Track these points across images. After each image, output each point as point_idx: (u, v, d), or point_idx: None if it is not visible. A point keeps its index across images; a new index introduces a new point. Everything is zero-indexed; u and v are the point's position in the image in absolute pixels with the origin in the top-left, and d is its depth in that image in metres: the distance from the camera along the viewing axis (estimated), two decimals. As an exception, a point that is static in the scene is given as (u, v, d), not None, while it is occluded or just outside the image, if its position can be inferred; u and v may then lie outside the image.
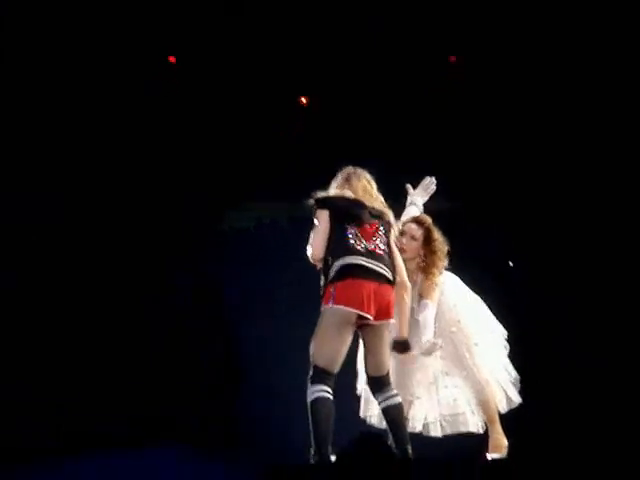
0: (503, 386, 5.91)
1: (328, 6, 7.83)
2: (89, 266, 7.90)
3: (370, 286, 5.40)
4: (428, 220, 5.84)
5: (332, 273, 5.44)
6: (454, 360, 5.87)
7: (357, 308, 5.36)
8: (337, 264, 5.43)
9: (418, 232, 5.84)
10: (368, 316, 5.38)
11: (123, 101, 8.00)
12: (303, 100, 8.24)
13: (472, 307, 5.99)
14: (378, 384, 5.52)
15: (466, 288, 6.04)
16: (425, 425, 5.92)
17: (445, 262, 5.83)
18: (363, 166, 5.72)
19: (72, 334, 7.72)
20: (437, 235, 5.84)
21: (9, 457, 6.54)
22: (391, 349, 5.55)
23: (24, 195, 7.83)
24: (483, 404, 5.84)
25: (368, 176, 5.71)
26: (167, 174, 8.14)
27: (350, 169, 5.72)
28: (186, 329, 8.04)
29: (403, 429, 5.43)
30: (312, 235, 5.55)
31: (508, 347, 6.01)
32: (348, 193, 5.61)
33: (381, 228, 5.55)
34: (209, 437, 7.68)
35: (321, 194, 5.59)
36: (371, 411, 5.92)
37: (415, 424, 5.88)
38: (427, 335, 5.60)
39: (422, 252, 5.82)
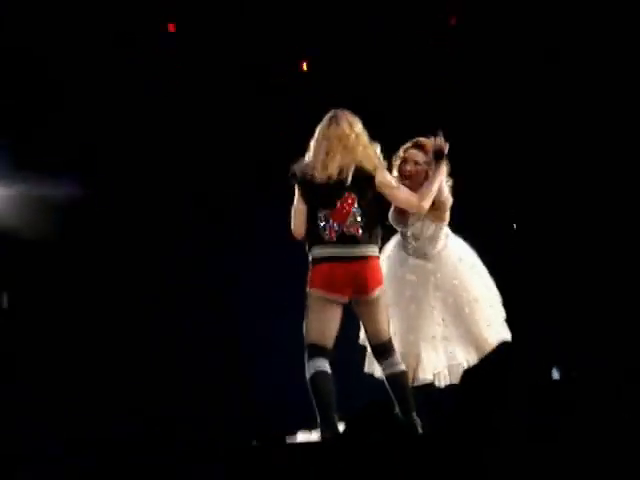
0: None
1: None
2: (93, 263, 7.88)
3: (341, 269, 5.40)
4: (428, 142, 5.80)
5: (309, 258, 5.50)
6: (453, 314, 5.89)
7: (330, 292, 5.40)
8: (311, 252, 5.47)
9: (420, 155, 5.82)
10: (342, 299, 5.43)
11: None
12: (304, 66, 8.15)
13: (474, 264, 6.02)
14: (380, 352, 5.53)
15: (468, 247, 6.07)
16: (436, 375, 5.92)
17: (450, 181, 5.83)
18: None
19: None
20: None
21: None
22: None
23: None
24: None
25: (350, 118, 5.49)
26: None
27: (330, 114, 5.52)
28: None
29: (409, 396, 5.43)
30: (292, 211, 5.54)
31: (504, 312, 6.02)
32: (320, 158, 5.42)
33: (357, 198, 5.42)
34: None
35: (295, 166, 5.50)
36: (376, 365, 5.88)
37: (426, 375, 5.88)
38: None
39: (427, 175, 5.76)
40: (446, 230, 5.97)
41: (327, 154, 5.39)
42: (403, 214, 5.86)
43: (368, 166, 5.42)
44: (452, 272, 5.91)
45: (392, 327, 5.64)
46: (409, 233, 5.92)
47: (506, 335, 5.95)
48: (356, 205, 5.42)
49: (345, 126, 5.44)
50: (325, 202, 5.40)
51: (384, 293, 5.54)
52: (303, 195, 5.46)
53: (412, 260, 5.95)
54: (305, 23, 7.84)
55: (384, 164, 5.54)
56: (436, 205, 5.74)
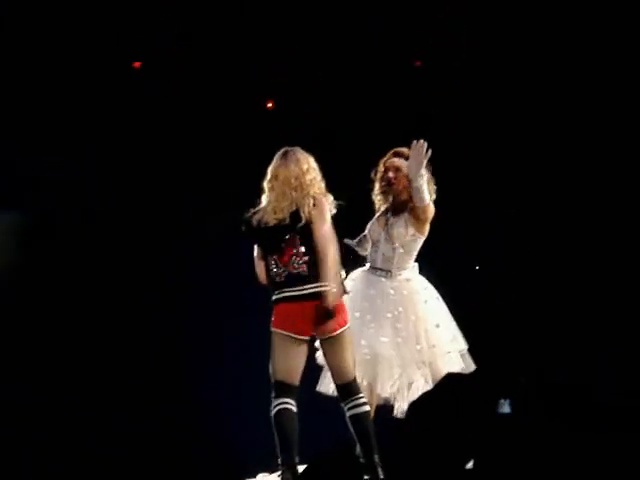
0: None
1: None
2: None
3: (294, 309, 5.39)
4: (406, 150, 5.82)
5: (272, 298, 5.51)
6: (410, 330, 5.82)
7: (290, 331, 5.39)
8: (273, 295, 5.49)
9: (400, 162, 5.90)
10: (303, 338, 5.39)
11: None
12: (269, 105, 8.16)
13: (438, 297, 5.98)
14: (344, 392, 5.46)
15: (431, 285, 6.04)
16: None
17: (432, 186, 5.87)
18: None
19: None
20: None
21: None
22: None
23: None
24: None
25: (299, 155, 5.49)
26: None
27: (277, 156, 5.53)
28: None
29: (370, 438, 5.35)
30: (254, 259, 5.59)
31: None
32: (271, 203, 5.44)
33: (300, 237, 5.42)
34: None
35: (247, 215, 5.52)
36: (330, 385, 5.78)
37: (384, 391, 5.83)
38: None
39: (408, 181, 5.82)
40: (414, 264, 5.98)
41: (276, 198, 5.44)
42: (381, 222, 5.94)
43: (311, 203, 5.42)
44: (416, 294, 5.90)
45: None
46: (382, 236, 5.94)
47: (463, 365, 5.87)
48: (299, 245, 5.43)
49: (293, 166, 5.46)
50: (273, 247, 5.46)
51: (349, 331, 5.47)
52: (256, 242, 5.55)
53: (373, 276, 5.96)
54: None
55: (329, 197, 5.50)
56: (418, 213, 5.83)
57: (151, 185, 7.94)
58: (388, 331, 5.81)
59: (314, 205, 5.39)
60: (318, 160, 5.53)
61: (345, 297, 5.53)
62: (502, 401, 5.36)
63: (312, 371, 5.78)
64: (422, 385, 5.77)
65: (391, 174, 5.94)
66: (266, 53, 7.90)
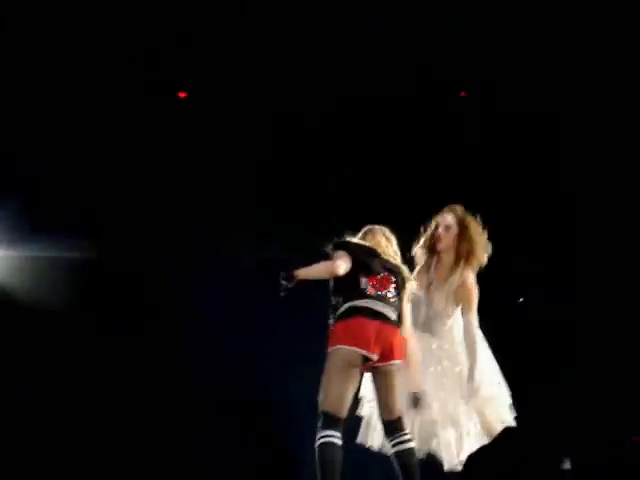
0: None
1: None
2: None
3: (372, 325, 5.39)
4: (460, 207, 5.80)
5: (338, 313, 5.45)
6: (457, 387, 5.77)
7: (359, 347, 5.36)
8: (345, 305, 5.44)
9: (452, 220, 5.78)
10: (372, 356, 5.38)
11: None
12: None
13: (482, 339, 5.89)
14: (390, 428, 5.48)
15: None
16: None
17: (486, 251, 5.75)
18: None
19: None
20: (472, 221, 5.78)
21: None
22: (408, 405, 5.49)
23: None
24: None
25: (387, 233, 5.74)
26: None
27: (368, 227, 5.75)
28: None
29: (415, 474, 5.38)
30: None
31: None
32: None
33: (394, 280, 5.54)
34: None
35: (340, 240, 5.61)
36: (372, 438, 5.84)
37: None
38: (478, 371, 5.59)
39: (458, 241, 5.74)
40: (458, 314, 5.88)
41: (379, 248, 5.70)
42: (421, 280, 5.84)
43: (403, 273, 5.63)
44: (458, 346, 5.82)
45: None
46: (422, 299, 5.86)
47: (510, 419, 5.82)
48: (395, 284, 5.57)
49: (381, 238, 5.71)
50: (371, 272, 5.57)
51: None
52: (353, 256, 5.59)
53: (418, 333, 5.84)
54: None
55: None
56: (461, 298, 5.73)
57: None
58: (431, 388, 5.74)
59: None
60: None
61: None
62: (564, 458, 5.38)
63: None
64: (474, 434, 5.74)
65: (440, 231, 5.80)
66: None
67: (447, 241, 5.76)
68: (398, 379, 5.48)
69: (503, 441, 5.40)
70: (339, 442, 5.33)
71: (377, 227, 5.75)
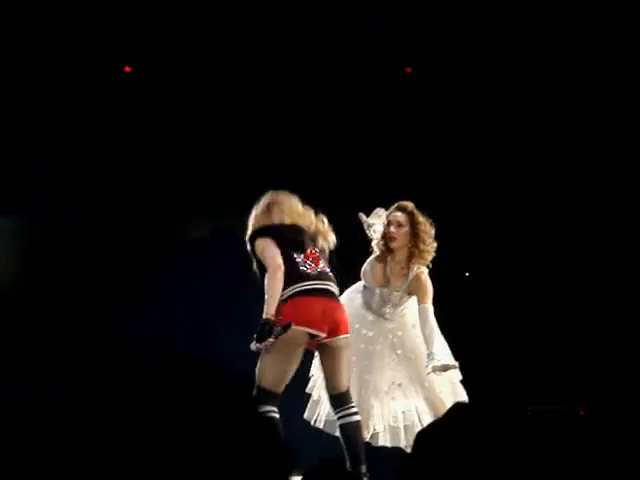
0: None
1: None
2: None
3: (319, 303, 5.43)
4: (410, 204, 5.86)
5: (284, 297, 5.41)
6: (412, 373, 5.86)
7: (307, 326, 5.36)
8: (289, 289, 5.42)
9: (403, 217, 5.85)
10: (320, 334, 5.38)
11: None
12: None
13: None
14: (337, 401, 5.49)
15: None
16: (374, 435, 5.89)
17: (434, 245, 5.84)
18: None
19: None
20: (422, 218, 5.86)
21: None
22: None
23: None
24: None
25: (292, 197, 5.68)
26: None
27: (270, 196, 5.66)
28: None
29: (360, 448, 5.40)
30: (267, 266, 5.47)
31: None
32: (284, 219, 5.57)
33: (319, 251, 5.57)
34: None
35: (256, 226, 5.56)
36: (318, 414, 5.92)
37: (376, 429, 5.87)
38: (436, 354, 5.62)
39: (410, 238, 5.82)
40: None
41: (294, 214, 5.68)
42: (377, 275, 5.90)
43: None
44: (412, 331, 5.89)
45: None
46: (377, 291, 5.91)
47: (463, 396, 5.90)
48: (322, 254, 5.65)
49: (291, 203, 5.68)
50: (302, 248, 5.63)
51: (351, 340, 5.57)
52: (277, 244, 5.60)
53: (370, 316, 5.95)
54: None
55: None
56: (416, 290, 5.79)
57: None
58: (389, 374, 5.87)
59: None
60: None
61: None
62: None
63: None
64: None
65: (392, 229, 5.85)
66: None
67: (400, 239, 5.83)
68: (345, 353, 5.49)
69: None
70: (276, 415, 5.33)
71: (280, 194, 5.66)
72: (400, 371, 5.89)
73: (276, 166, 7.61)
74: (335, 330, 5.44)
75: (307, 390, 5.99)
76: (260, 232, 5.49)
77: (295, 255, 5.45)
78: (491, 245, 8.07)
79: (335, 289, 5.52)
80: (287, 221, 5.54)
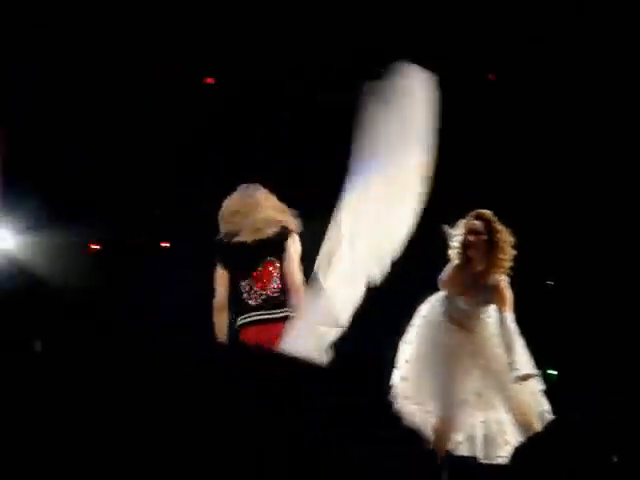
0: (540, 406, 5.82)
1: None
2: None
3: (251, 333, 5.44)
4: (488, 212, 5.83)
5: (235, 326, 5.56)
6: (492, 383, 5.82)
7: None
8: (236, 321, 5.54)
9: (481, 226, 5.80)
10: None
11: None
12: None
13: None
14: None
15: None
16: (454, 444, 5.81)
17: (512, 253, 5.77)
18: None
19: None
20: (500, 227, 5.81)
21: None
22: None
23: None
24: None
25: (242, 192, 5.63)
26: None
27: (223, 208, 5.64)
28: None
29: None
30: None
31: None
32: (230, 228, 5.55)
33: (272, 260, 5.53)
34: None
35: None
36: None
37: (459, 438, 5.79)
38: (517, 363, 5.56)
39: (488, 246, 5.77)
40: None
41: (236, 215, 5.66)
42: (455, 283, 5.86)
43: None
44: (493, 340, 5.84)
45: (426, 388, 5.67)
46: (456, 300, 5.89)
47: (545, 406, 5.82)
48: (274, 264, 5.60)
49: (237, 201, 5.66)
50: (248, 270, 5.63)
51: None
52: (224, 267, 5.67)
53: (450, 325, 5.91)
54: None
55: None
56: (497, 294, 5.73)
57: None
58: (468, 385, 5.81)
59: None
60: None
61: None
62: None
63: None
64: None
65: (470, 238, 5.80)
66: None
67: (478, 247, 5.78)
68: None
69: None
70: None
71: (235, 197, 5.62)
72: (480, 381, 5.85)
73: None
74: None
75: None
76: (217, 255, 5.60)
77: (239, 283, 5.50)
78: (573, 253, 7.97)
79: (277, 312, 5.48)
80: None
